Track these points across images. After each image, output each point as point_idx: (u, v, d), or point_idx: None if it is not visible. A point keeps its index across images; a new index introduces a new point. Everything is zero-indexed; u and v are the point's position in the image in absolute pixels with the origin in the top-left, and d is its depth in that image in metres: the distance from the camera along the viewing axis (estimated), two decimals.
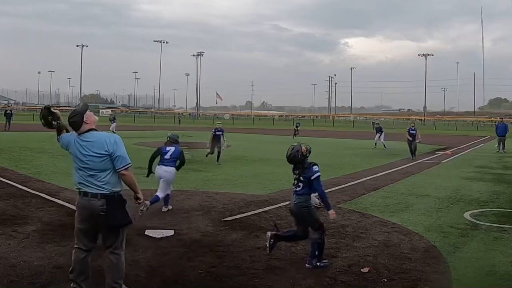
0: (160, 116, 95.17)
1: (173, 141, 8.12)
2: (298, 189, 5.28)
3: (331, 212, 5.22)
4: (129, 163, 3.96)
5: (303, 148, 5.31)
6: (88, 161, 3.87)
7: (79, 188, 3.97)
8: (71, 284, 4.03)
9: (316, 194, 5.47)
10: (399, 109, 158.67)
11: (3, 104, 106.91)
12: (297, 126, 31.88)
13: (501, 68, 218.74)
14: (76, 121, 3.91)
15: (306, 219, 5.24)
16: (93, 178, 3.88)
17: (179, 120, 62.16)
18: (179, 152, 7.94)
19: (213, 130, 15.74)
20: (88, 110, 4.00)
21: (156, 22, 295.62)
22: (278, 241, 5.34)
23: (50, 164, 13.62)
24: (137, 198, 4.12)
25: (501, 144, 23.07)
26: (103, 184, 3.88)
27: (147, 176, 7.91)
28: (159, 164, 7.89)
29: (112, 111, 71.00)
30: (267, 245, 5.25)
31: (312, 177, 5.17)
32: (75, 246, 4.07)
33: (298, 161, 5.32)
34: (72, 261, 4.06)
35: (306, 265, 5.15)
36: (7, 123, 31.78)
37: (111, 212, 3.85)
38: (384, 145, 23.51)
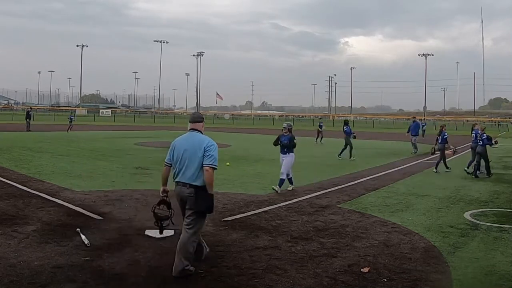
0: (160, 116, 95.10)
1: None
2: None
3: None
4: (216, 165, 4.75)
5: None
6: (186, 156, 4.72)
7: (175, 177, 4.79)
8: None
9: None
10: (399, 109, 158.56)
11: (3, 104, 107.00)
12: (320, 127, 27.32)
13: (502, 68, 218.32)
14: (198, 117, 5.03)
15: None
16: (187, 171, 4.71)
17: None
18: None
19: None
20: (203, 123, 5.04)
21: (156, 21, 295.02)
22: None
23: (50, 164, 13.61)
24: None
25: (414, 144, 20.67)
26: (193, 177, 4.69)
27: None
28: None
29: (112, 111, 70.40)
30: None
31: (445, 136, 14.20)
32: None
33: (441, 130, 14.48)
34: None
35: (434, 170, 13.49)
36: (28, 123, 32.02)
37: (199, 198, 4.66)
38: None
